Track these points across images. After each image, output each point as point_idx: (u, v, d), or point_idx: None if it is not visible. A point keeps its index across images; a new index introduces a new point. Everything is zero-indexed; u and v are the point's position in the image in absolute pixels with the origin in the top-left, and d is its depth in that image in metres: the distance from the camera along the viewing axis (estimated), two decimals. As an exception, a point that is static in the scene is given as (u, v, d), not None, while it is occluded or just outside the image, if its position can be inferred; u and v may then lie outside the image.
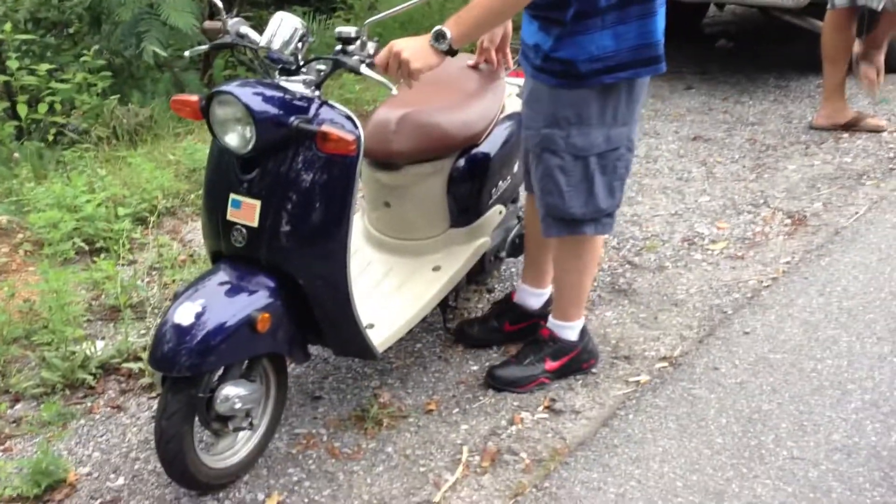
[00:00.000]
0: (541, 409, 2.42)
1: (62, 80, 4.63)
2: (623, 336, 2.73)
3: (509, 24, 2.56)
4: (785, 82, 4.95)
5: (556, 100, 2.20)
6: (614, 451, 2.21)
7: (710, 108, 4.76)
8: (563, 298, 2.50)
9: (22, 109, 4.38)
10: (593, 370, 2.56)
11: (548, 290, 2.67)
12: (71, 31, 5.79)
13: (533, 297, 2.67)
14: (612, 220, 2.35)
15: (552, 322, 2.53)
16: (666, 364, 2.57)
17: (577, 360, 2.53)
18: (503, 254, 2.80)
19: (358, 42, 2.00)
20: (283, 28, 2.02)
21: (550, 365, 2.50)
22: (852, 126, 4.13)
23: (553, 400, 2.44)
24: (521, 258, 3.13)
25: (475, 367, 2.61)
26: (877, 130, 4.10)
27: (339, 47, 2.02)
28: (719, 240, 3.30)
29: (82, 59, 4.77)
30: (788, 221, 3.40)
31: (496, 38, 2.62)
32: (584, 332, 2.54)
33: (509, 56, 2.69)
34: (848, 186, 3.66)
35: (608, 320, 2.82)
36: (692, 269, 3.10)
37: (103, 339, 2.79)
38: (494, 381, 2.49)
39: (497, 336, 2.67)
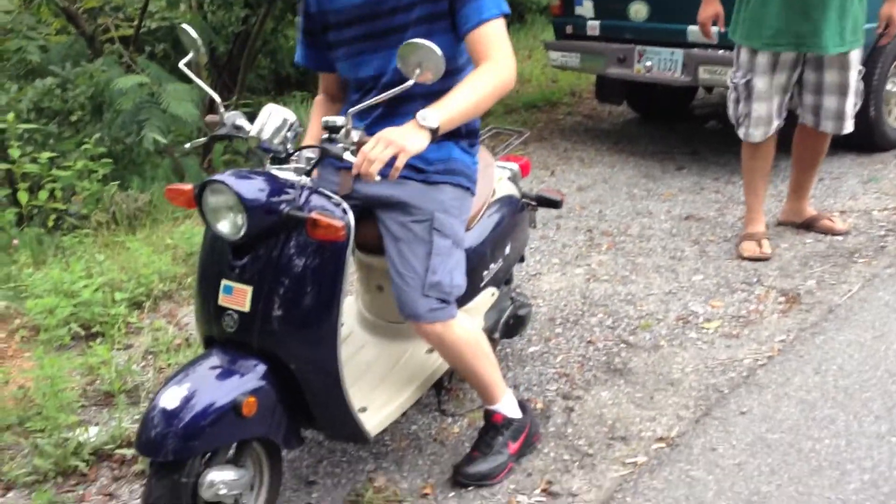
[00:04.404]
0: (537, 492, 2.39)
1: (63, 167, 4.72)
2: (619, 416, 2.71)
3: None
4: (774, 162, 5.03)
5: (440, 192, 2.32)
6: (611, 536, 2.18)
7: (701, 187, 4.83)
8: (479, 385, 2.45)
9: (23, 197, 4.45)
10: (590, 451, 2.54)
11: None
12: (73, 119, 5.92)
13: None
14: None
15: (493, 408, 2.48)
16: (663, 445, 2.54)
17: (530, 436, 2.53)
18: (496, 335, 2.80)
19: (343, 130, 2.04)
20: (273, 119, 2.08)
21: (513, 448, 2.47)
22: (809, 226, 4.05)
23: (550, 482, 2.41)
24: (514, 339, 3.15)
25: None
26: (833, 233, 3.98)
27: (325, 136, 2.06)
28: (714, 318, 3.30)
29: (83, 146, 4.87)
30: (782, 299, 3.42)
31: None
32: (523, 406, 2.54)
33: None
34: (840, 264, 3.69)
35: (604, 400, 2.81)
36: (687, 348, 3.10)
37: (97, 424, 2.77)
38: (467, 479, 2.41)
39: None
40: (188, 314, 3.54)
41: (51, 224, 4.58)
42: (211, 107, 6.12)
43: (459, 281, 2.29)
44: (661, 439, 2.57)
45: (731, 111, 3.83)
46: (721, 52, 4.76)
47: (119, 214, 4.62)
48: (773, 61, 3.64)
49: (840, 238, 3.96)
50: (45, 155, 4.66)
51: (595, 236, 4.22)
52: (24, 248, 4.08)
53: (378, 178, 1.93)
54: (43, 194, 4.55)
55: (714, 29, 3.94)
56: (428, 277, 2.22)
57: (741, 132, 3.81)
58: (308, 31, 2.42)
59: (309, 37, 2.43)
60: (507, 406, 2.50)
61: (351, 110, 2.05)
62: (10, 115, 4.76)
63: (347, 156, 1.99)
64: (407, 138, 1.95)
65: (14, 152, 4.53)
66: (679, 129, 6.10)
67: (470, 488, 2.40)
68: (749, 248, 3.82)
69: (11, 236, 4.34)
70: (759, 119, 3.72)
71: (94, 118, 5.67)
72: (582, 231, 4.29)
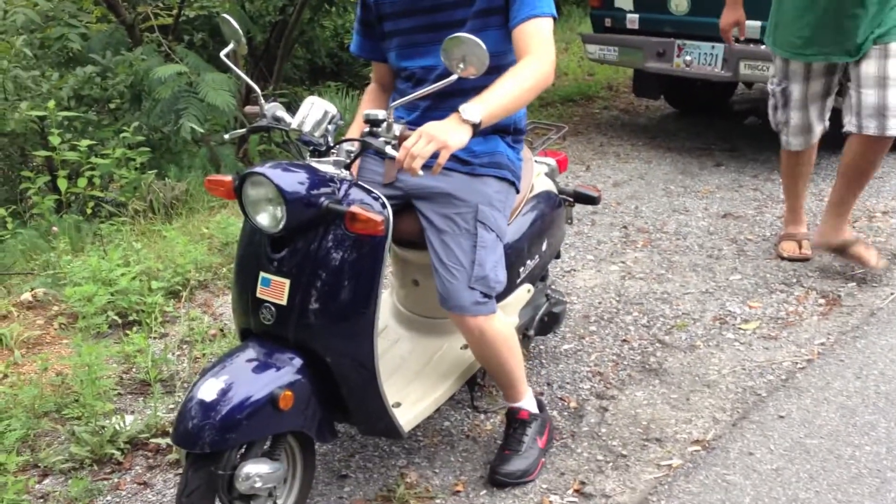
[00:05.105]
0: (570, 492, 2.37)
1: (102, 155, 4.76)
2: (654, 417, 2.68)
3: None
4: (817, 160, 4.94)
5: (485, 184, 2.32)
6: (646, 539, 2.15)
7: (739, 185, 4.77)
8: (508, 382, 2.43)
9: (62, 184, 4.50)
10: (624, 452, 2.52)
11: None
12: (112, 107, 5.97)
13: None
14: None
15: (518, 405, 2.48)
16: (699, 448, 2.51)
17: (551, 431, 2.55)
18: (531, 332, 2.78)
19: (384, 124, 2.04)
20: (314, 111, 2.07)
21: (541, 442, 2.48)
22: (842, 251, 3.58)
23: (583, 483, 2.40)
24: (548, 336, 3.13)
25: (503, 448, 2.57)
26: (863, 263, 3.52)
27: (367, 129, 2.06)
28: (752, 319, 3.25)
29: (122, 134, 4.91)
30: (822, 301, 3.36)
31: None
32: (539, 402, 2.55)
33: None
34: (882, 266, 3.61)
35: (639, 400, 2.78)
36: (724, 349, 3.06)
37: (133, 413, 2.80)
38: (506, 478, 2.40)
39: None
40: (223, 304, 3.56)
41: (89, 211, 4.62)
42: (247, 96, 6.14)
43: (502, 276, 2.29)
44: (696, 442, 2.54)
45: (770, 117, 3.73)
46: (763, 46, 4.68)
47: (156, 203, 4.65)
48: (806, 69, 3.51)
49: (881, 239, 3.88)
50: (85, 142, 4.70)
51: (631, 233, 4.18)
52: (62, 235, 4.13)
53: (421, 172, 1.92)
54: (82, 181, 4.60)
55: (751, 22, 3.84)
56: (475, 270, 2.22)
57: (782, 139, 3.71)
58: (364, 21, 2.44)
59: (365, 26, 2.45)
60: (529, 402, 2.50)
61: (393, 104, 2.04)
62: (51, 103, 4.81)
63: (389, 150, 1.98)
64: (449, 133, 1.94)
65: (54, 139, 4.58)
66: (717, 125, 6.02)
67: (506, 487, 2.39)
68: (789, 247, 3.76)
69: (51, 223, 4.40)
70: (797, 128, 3.62)
71: (133, 106, 5.72)
72: (617, 227, 4.25)
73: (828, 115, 3.66)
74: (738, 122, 6.11)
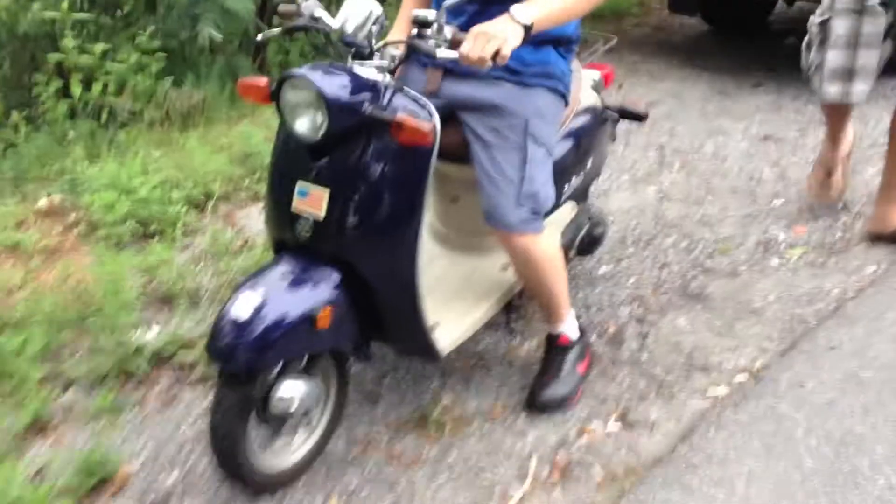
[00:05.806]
0: (612, 420, 2.29)
1: (116, 61, 4.57)
2: (697, 345, 2.58)
3: None
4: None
5: (536, 96, 2.16)
6: (694, 471, 2.07)
7: (779, 106, 4.57)
8: (551, 304, 2.33)
9: (76, 89, 4.33)
10: (667, 380, 2.43)
11: None
12: (126, 10, 5.73)
13: None
14: None
15: (559, 329, 2.38)
16: (746, 377, 2.41)
17: (592, 357, 2.46)
18: (572, 252, 2.67)
19: (434, 26, 1.87)
20: (358, 11, 1.91)
21: (581, 368, 2.39)
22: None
23: (626, 409, 2.31)
24: (584, 258, 3.01)
25: (541, 372, 2.48)
26: None
27: (415, 31, 1.90)
28: (797, 245, 3.12)
29: (136, 40, 4.71)
30: (871, 228, 3.22)
31: None
32: (580, 326, 2.45)
33: None
34: (934, 193, 3.46)
35: (681, 327, 2.68)
36: (769, 276, 2.94)
37: (157, 324, 2.71)
38: (545, 405, 2.31)
39: None
40: (246, 216, 3.44)
41: (104, 118, 4.46)
42: (263, 4, 5.88)
43: (552, 194, 2.17)
44: (744, 371, 2.44)
45: (802, 60, 3.12)
46: (811, -42, 4.40)
47: (172, 111, 4.49)
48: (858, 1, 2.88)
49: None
50: (99, 47, 4.51)
51: (666, 154, 4.01)
52: (77, 142, 3.98)
53: (490, 63, 1.80)
54: (96, 87, 4.42)
55: None
56: (524, 187, 2.09)
57: (814, 85, 3.05)
58: None
59: None
60: (570, 326, 2.40)
61: (445, 4, 1.87)
62: (64, 5, 4.60)
63: (440, 52, 1.82)
64: (504, 31, 1.83)
65: (68, 42, 4.39)
66: (755, 44, 5.77)
67: (545, 412, 2.30)
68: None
69: (65, 129, 4.24)
70: (835, 72, 2.94)
71: (147, 11, 5.49)
72: (653, 148, 4.08)
73: (877, 73, 2.99)
74: (777, 42, 5.86)
